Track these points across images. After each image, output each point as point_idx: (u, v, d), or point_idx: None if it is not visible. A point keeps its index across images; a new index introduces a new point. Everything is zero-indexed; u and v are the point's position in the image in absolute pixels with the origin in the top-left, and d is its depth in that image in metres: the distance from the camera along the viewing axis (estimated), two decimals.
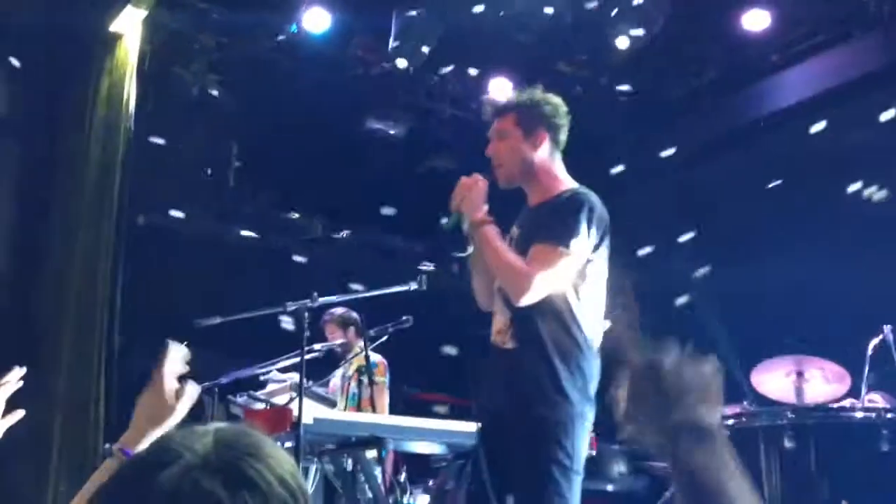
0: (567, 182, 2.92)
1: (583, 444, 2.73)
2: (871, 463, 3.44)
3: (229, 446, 0.90)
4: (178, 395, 1.79)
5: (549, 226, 2.76)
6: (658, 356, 1.11)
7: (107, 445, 1.80)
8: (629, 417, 1.11)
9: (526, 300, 2.70)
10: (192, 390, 1.82)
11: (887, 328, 4.38)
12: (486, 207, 2.83)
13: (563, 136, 2.95)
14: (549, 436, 2.65)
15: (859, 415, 3.62)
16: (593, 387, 2.76)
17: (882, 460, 3.41)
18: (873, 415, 3.52)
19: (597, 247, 2.76)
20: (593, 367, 2.77)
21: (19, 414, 2.91)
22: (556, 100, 2.97)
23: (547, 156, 2.92)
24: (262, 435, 0.95)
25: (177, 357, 1.80)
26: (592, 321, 2.78)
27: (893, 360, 4.29)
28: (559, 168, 2.95)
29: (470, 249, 2.92)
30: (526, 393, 2.71)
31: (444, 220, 2.85)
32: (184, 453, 0.88)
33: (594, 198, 2.80)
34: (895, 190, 5.58)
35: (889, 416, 3.52)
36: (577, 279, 2.75)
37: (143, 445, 1.68)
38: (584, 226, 2.71)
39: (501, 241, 2.81)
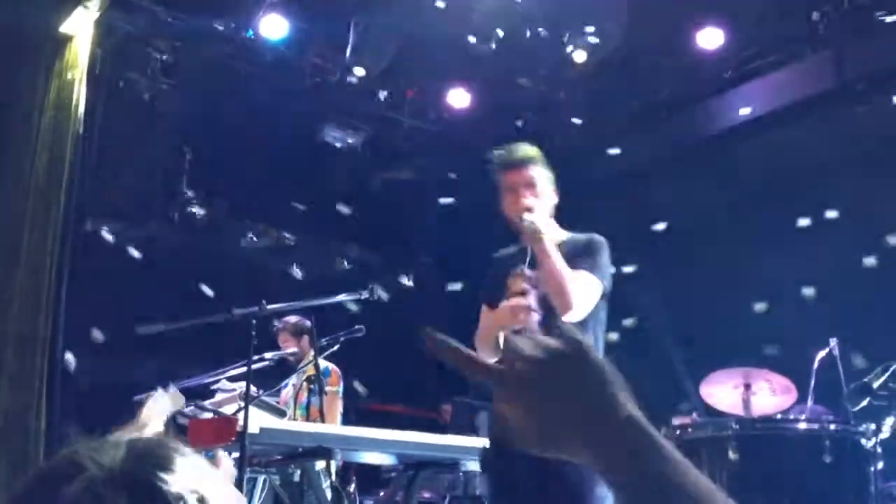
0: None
1: None
2: (814, 474, 3.47)
3: (140, 459, 0.86)
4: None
5: (584, 260, 2.96)
6: (524, 354, 0.84)
7: None
8: (524, 433, 0.84)
9: (574, 314, 2.84)
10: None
11: (833, 341, 4.44)
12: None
13: None
14: None
15: (803, 426, 3.65)
16: None
17: (825, 472, 3.44)
18: (817, 426, 3.56)
19: (609, 288, 2.99)
20: None
21: None
22: None
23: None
24: (180, 446, 0.91)
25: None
26: None
27: (839, 373, 4.36)
28: None
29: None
30: None
31: (524, 218, 2.93)
32: (89, 466, 0.84)
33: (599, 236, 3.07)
34: (845, 205, 5.70)
35: (833, 427, 3.56)
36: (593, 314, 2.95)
37: None
38: (608, 267, 3.00)
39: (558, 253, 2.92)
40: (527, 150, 3.09)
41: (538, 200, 3.00)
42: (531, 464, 2.74)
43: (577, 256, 2.97)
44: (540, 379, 0.83)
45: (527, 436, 0.84)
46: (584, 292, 2.88)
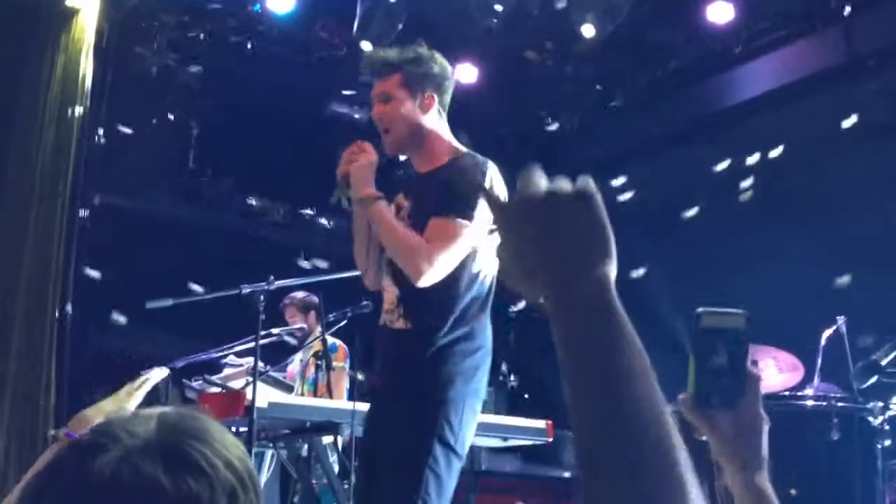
0: (456, 146, 2.73)
1: (469, 427, 2.59)
2: (821, 452, 3.48)
3: (173, 430, 0.88)
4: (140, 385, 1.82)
5: (445, 196, 2.56)
6: (532, 187, 0.83)
7: (52, 431, 1.76)
8: (506, 266, 0.85)
9: (427, 280, 2.53)
10: (158, 373, 1.85)
11: (841, 319, 4.42)
12: (373, 182, 2.66)
13: (448, 98, 2.75)
14: (436, 413, 2.52)
15: (810, 403, 3.65)
16: (488, 361, 2.64)
17: (832, 449, 3.45)
18: (824, 403, 3.56)
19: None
20: (487, 340, 2.64)
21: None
22: (442, 59, 2.76)
23: (436, 119, 2.70)
24: (209, 419, 0.93)
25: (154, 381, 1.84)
26: (488, 284, 2.66)
27: (846, 351, 4.34)
28: (447, 132, 2.74)
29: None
30: (415, 376, 2.58)
31: (334, 196, 2.69)
32: (124, 437, 0.85)
33: (490, 163, 2.62)
34: (851, 184, 5.66)
35: (840, 404, 3.56)
36: (475, 247, 2.59)
37: None
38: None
39: (394, 217, 2.63)
40: (386, 53, 2.69)
41: (390, 128, 2.64)
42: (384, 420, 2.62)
43: (446, 192, 2.55)
44: (539, 214, 0.84)
45: (508, 269, 0.86)
46: (437, 255, 2.49)
